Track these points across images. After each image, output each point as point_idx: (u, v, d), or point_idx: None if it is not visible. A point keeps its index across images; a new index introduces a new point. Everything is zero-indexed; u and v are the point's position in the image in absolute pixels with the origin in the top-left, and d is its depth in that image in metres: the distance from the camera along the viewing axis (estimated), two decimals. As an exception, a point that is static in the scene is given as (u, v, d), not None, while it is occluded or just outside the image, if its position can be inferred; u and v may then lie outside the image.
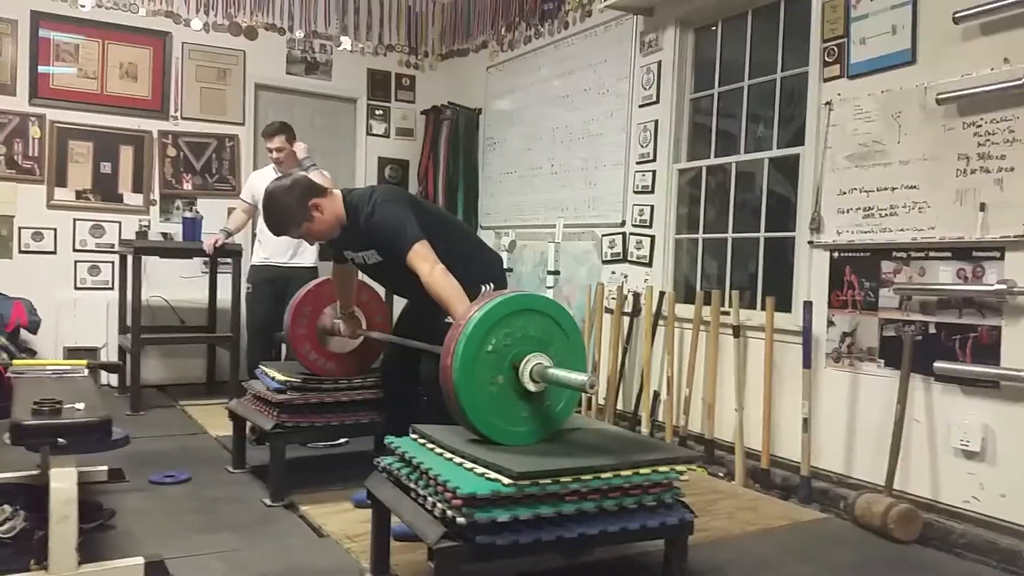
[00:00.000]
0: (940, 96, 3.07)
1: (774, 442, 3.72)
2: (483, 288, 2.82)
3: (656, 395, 4.35)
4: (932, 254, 3.14)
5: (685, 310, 4.25)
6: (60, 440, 2.25)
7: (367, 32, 6.55)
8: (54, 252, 5.47)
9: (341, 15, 6.44)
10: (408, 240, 2.70)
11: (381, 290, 3.63)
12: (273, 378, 3.37)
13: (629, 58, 4.80)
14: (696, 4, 4.37)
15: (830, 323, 3.53)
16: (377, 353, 3.55)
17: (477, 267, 2.97)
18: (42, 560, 2.22)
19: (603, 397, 4.65)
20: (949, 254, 3.08)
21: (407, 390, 3.12)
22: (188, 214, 5.35)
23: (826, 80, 3.61)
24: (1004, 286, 2.85)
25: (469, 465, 2.14)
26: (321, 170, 4.54)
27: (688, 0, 4.38)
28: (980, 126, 2.99)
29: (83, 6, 5.51)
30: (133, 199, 5.73)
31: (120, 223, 5.64)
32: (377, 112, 6.62)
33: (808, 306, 3.55)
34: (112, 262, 5.58)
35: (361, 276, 3.33)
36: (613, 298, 4.69)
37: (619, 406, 4.61)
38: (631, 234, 4.74)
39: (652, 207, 4.58)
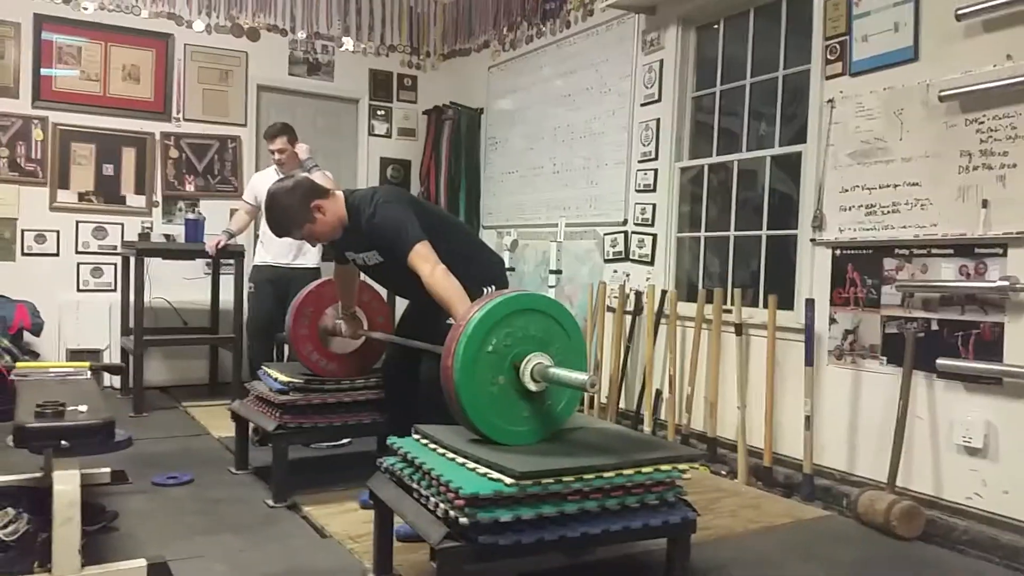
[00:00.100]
0: (942, 93, 3.07)
1: (776, 440, 3.72)
2: (484, 290, 2.82)
3: (658, 393, 4.35)
4: (934, 251, 3.14)
5: (687, 308, 4.25)
6: (63, 442, 2.26)
7: (369, 32, 6.55)
8: (57, 254, 5.49)
9: (343, 16, 6.44)
10: (409, 241, 2.70)
11: (383, 291, 3.63)
12: (275, 379, 3.38)
13: (631, 57, 4.80)
14: (698, 2, 4.37)
15: (832, 321, 3.53)
16: (379, 353, 3.55)
17: (478, 268, 2.98)
18: (46, 563, 2.22)
19: (605, 396, 4.65)
20: (951, 251, 3.07)
21: (409, 390, 3.12)
22: (190, 215, 5.35)
23: (828, 78, 3.60)
24: (1007, 283, 2.84)
25: (471, 465, 2.14)
26: (323, 171, 4.55)
27: (689, -2, 4.39)
28: (982, 123, 2.98)
29: (85, 8, 5.52)
30: (136, 201, 5.74)
31: (123, 225, 5.65)
32: (379, 112, 6.63)
33: (810, 304, 3.54)
34: (115, 264, 5.59)
35: (363, 277, 3.34)
36: (615, 297, 4.69)
37: (621, 405, 4.61)
38: (633, 233, 4.74)
39: (654, 205, 4.58)
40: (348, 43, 6.44)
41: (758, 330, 3.85)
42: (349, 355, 3.51)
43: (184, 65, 5.85)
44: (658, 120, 4.57)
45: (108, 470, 3.23)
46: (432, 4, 6.82)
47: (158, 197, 5.80)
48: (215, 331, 5.58)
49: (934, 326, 3.13)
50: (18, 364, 3.47)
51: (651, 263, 4.58)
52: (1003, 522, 2.86)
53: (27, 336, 5.07)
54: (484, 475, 2.07)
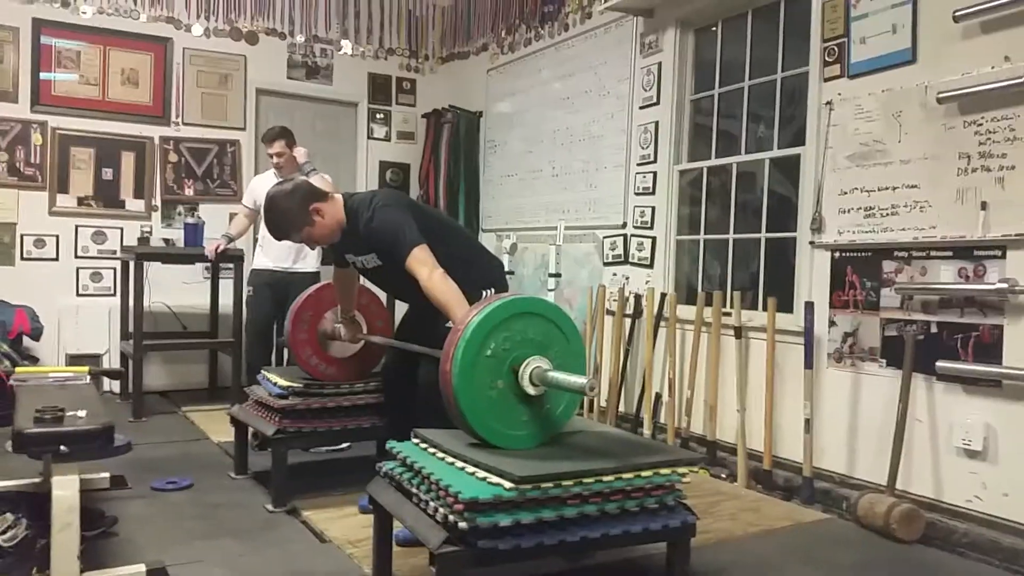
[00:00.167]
0: (941, 95, 3.07)
1: (776, 443, 3.71)
2: (484, 293, 2.82)
3: (658, 397, 4.35)
4: (933, 253, 3.14)
5: (687, 311, 4.25)
6: (62, 448, 2.26)
7: (368, 36, 6.56)
8: (56, 259, 5.48)
9: (341, 19, 6.44)
10: (407, 244, 2.70)
11: (382, 294, 3.63)
12: (275, 383, 3.38)
13: (629, 59, 4.80)
14: (696, 5, 4.37)
15: (832, 323, 3.52)
16: (378, 357, 3.55)
17: (477, 271, 2.98)
18: (44, 568, 2.22)
19: (605, 399, 4.64)
20: (950, 253, 3.07)
21: (408, 394, 3.11)
22: (190, 220, 5.36)
23: (826, 80, 3.60)
24: (1006, 285, 2.84)
25: (471, 469, 2.14)
26: (321, 174, 4.55)
27: (688, 1, 4.38)
28: (981, 125, 2.98)
29: (84, 13, 5.53)
30: (135, 205, 5.74)
31: (122, 229, 5.65)
32: (378, 116, 6.63)
33: (810, 306, 3.54)
34: (114, 268, 5.58)
35: (362, 280, 3.34)
36: (615, 300, 4.69)
37: (621, 408, 4.60)
38: (632, 236, 4.74)
39: (653, 208, 4.58)
40: (347, 46, 6.45)
41: (757, 333, 3.85)
42: (348, 359, 3.51)
43: (183, 69, 5.85)
44: (657, 123, 4.58)
45: (107, 475, 3.22)
46: (430, 8, 6.83)
47: (157, 201, 5.80)
48: (214, 335, 5.58)
49: (933, 328, 3.12)
50: (17, 369, 3.47)
51: (650, 266, 4.58)
52: (1003, 525, 2.86)
53: (26, 341, 5.07)
54: (483, 479, 2.07)
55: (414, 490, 2.23)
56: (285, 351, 4.87)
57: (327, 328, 3.45)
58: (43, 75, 5.43)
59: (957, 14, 3.01)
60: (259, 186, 4.79)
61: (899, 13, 3.29)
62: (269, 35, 6.15)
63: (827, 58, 3.60)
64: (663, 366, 4.32)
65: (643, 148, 4.67)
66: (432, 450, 2.34)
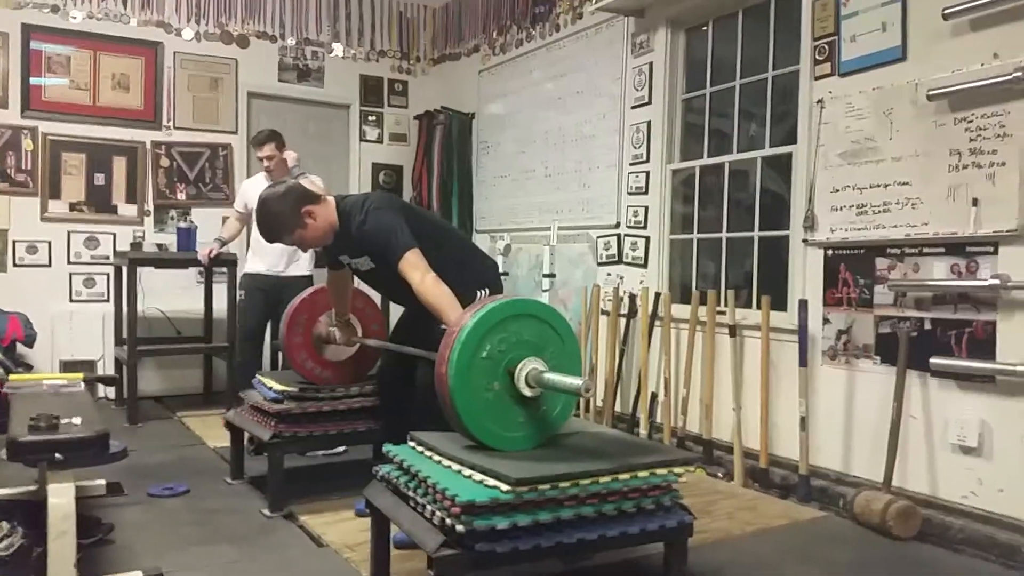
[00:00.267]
0: (931, 92, 3.08)
1: (772, 441, 3.72)
2: (478, 294, 2.82)
3: (654, 396, 4.35)
4: (926, 250, 3.15)
5: (681, 310, 4.25)
6: (57, 455, 2.25)
7: (359, 38, 6.55)
8: (48, 265, 5.47)
9: (332, 22, 6.44)
10: (399, 248, 2.70)
11: (377, 297, 3.63)
12: (270, 388, 3.37)
13: (621, 59, 4.80)
14: (687, 4, 4.38)
15: (826, 321, 3.53)
16: (374, 361, 3.54)
17: (471, 273, 2.98)
18: (41, 576, 2.21)
19: (601, 399, 4.64)
20: (943, 250, 3.09)
21: (404, 397, 3.11)
22: (183, 224, 5.35)
23: (817, 78, 3.61)
24: (998, 280, 2.85)
25: (467, 472, 2.14)
26: (311, 177, 4.51)
27: (679, 1, 4.39)
28: (971, 121, 2.99)
29: (74, 18, 5.51)
30: (127, 210, 5.72)
31: (114, 235, 5.64)
32: (370, 118, 6.63)
33: (803, 304, 3.55)
34: (107, 274, 5.57)
35: (357, 283, 3.33)
36: (609, 300, 4.69)
37: (617, 408, 4.61)
38: (626, 235, 4.74)
39: (646, 208, 4.59)
40: (338, 49, 6.44)
41: (752, 331, 3.86)
42: (344, 362, 3.51)
43: (174, 73, 5.84)
44: (649, 122, 4.58)
45: (103, 482, 3.22)
46: (422, 9, 6.83)
47: (150, 206, 5.78)
48: (209, 340, 5.56)
49: (927, 325, 3.14)
50: (11, 376, 3.45)
51: (644, 265, 4.58)
52: (999, 520, 2.87)
53: (20, 348, 5.05)
54: (480, 482, 2.07)
55: (411, 493, 2.23)
56: (280, 355, 4.87)
57: (322, 332, 3.44)
58: (33, 80, 5.42)
59: (946, 12, 3.02)
60: (250, 189, 4.78)
61: (889, 11, 3.30)
62: (260, 38, 6.14)
63: (818, 56, 3.61)
64: (658, 365, 4.33)
65: (635, 148, 4.68)
66: (428, 453, 2.34)
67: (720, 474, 3.85)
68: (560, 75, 5.34)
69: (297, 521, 3.09)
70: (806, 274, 3.63)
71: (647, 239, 4.57)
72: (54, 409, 2.42)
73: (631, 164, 4.71)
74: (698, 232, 4.42)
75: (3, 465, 2.40)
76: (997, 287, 2.86)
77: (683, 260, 4.53)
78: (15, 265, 5.37)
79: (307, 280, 4.62)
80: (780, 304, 3.77)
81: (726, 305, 3.96)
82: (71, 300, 5.53)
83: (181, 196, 5.86)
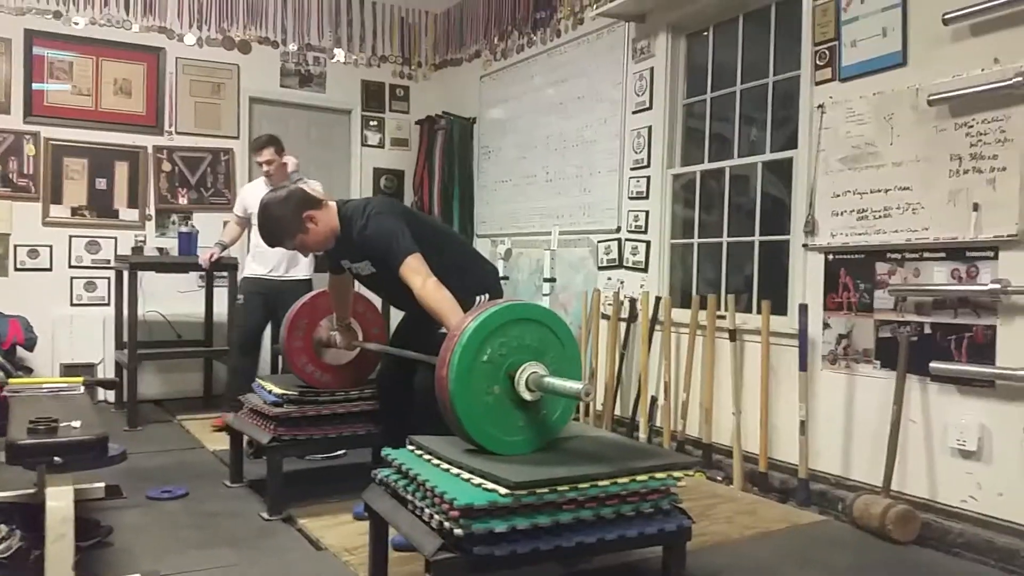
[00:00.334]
0: (932, 97, 3.08)
1: (772, 445, 3.72)
2: (478, 299, 2.82)
3: (653, 400, 4.35)
4: (926, 255, 3.15)
5: (681, 315, 4.25)
6: (56, 458, 2.26)
7: (360, 44, 6.57)
8: (50, 269, 5.47)
9: (334, 27, 6.46)
10: (401, 253, 2.71)
11: (378, 301, 3.63)
12: (270, 391, 3.37)
13: (622, 65, 4.81)
14: (687, 10, 4.39)
15: (826, 325, 3.53)
16: (374, 364, 3.55)
17: (472, 278, 2.98)
18: (39, 579, 2.21)
19: (601, 403, 4.64)
20: (943, 255, 3.08)
21: (404, 401, 3.12)
22: (184, 228, 5.35)
23: (818, 83, 3.62)
24: (998, 285, 2.85)
25: (466, 476, 2.14)
26: (309, 182, 4.48)
27: (679, 6, 4.40)
28: (972, 126, 2.99)
29: (76, 24, 5.53)
30: (128, 215, 5.73)
31: (116, 239, 5.64)
32: (372, 123, 6.64)
33: (804, 309, 3.55)
34: (108, 278, 5.57)
35: (358, 287, 3.34)
36: (610, 304, 4.69)
37: (617, 412, 4.60)
38: (627, 240, 4.74)
39: (647, 213, 4.59)
40: (340, 54, 6.46)
41: (752, 336, 3.86)
42: (344, 366, 3.50)
43: (176, 78, 5.85)
44: (650, 127, 4.59)
45: (102, 485, 3.21)
46: (423, 15, 6.84)
47: (151, 211, 5.79)
48: (209, 344, 5.56)
49: (927, 330, 3.13)
50: (11, 380, 3.45)
51: (645, 270, 4.58)
52: (998, 525, 2.86)
53: (21, 351, 5.05)
54: (479, 486, 2.07)
55: (409, 497, 2.23)
56: (280, 358, 4.86)
57: (323, 335, 3.45)
58: (36, 86, 5.43)
59: (947, 17, 3.03)
60: (249, 194, 4.78)
61: (889, 16, 3.30)
62: (262, 44, 6.16)
63: (818, 61, 3.61)
64: (658, 370, 4.32)
65: (636, 152, 4.68)
66: (427, 457, 2.34)
67: (720, 478, 3.85)
68: (561, 80, 5.35)
69: (296, 524, 3.08)
70: (806, 279, 3.63)
71: (648, 244, 4.57)
72: (53, 412, 2.43)
73: (632, 169, 4.72)
74: (699, 237, 4.42)
75: (2, 468, 2.40)
76: (997, 292, 2.85)
77: (684, 264, 4.53)
78: (17, 269, 5.38)
79: (306, 284, 4.62)
80: (780, 308, 3.77)
81: (726, 309, 3.96)
82: (72, 304, 5.53)
83: (182, 201, 5.87)
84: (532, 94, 5.66)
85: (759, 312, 3.78)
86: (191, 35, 5.89)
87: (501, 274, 3.53)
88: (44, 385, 3.18)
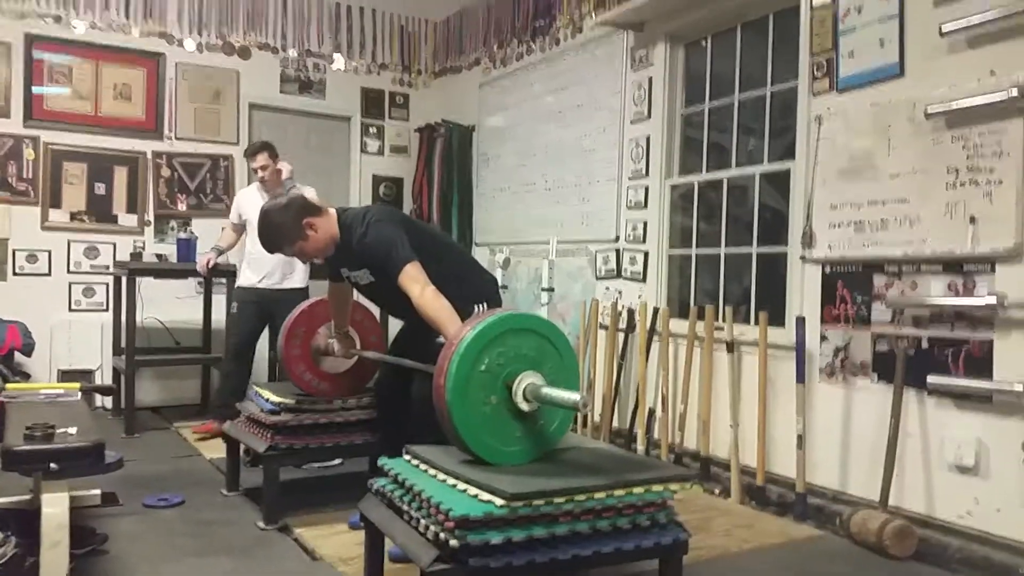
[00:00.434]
0: (929, 109, 3.08)
1: (769, 458, 3.71)
2: (476, 308, 2.82)
3: (651, 412, 4.34)
4: (924, 268, 3.15)
5: (679, 325, 4.25)
6: (52, 465, 2.25)
7: (360, 51, 6.58)
8: (48, 274, 5.47)
9: (334, 34, 6.47)
10: (400, 261, 2.71)
11: (376, 310, 3.63)
12: (267, 399, 3.36)
13: (620, 74, 4.82)
14: (686, 19, 4.40)
15: (823, 338, 3.53)
16: (372, 373, 3.54)
17: (470, 287, 2.98)
18: (33, 587, 2.21)
19: (599, 414, 4.64)
20: (940, 268, 3.09)
21: (402, 410, 3.11)
22: (183, 234, 5.36)
23: (816, 94, 3.62)
24: (995, 299, 2.85)
25: (462, 486, 2.13)
26: (304, 189, 4.45)
27: (678, 15, 4.41)
28: (969, 139, 2.99)
29: (76, 28, 5.54)
30: (127, 220, 5.73)
31: (115, 244, 5.65)
32: (371, 130, 6.65)
33: (801, 321, 3.55)
34: (107, 283, 5.57)
35: (356, 296, 3.34)
36: (608, 314, 4.69)
37: (615, 423, 4.60)
38: (625, 250, 4.75)
39: (645, 223, 4.59)
40: (339, 61, 6.47)
41: (750, 347, 3.86)
42: (341, 375, 3.50)
43: (175, 84, 5.86)
44: (648, 137, 4.59)
45: (98, 492, 3.20)
46: (423, 22, 6.86)
47: (150, 216, 5.80)
48: (207, 351, 5.56)
49: (924, 343, 3.13)
50: (8, 385, 3.45)
51: (643, 280, 4.58)
52: (996, 541, 2.86)
53: (18, 356, 5.05)
54: (475, 496, 2.06)
55: (405, 507, 2.23)
56: (277, 366, 4.85)
57: (320, 343, 3.45)
58: (35, 90, 5.44)
59: (943, 29, 3.03)
60: (244, 200, 4.78)
61: (886, 27, 3.31)
62: (262, 50, 6.17)
63: (816, 72, 3.62)
64: (656, 381, 4.32)
65: (635, 162, 4.69)
66: (423, 467, 2.33)
67: (717, 491, 3.84)
68: (560, 89, 5.36)
69: (292, 534, 3.08)
70: (804, 291, 3.63)
71: (646, 254, 4.58)
72: (50, 419, 2.43)
73: (630, 179, 4.72)
74: (697, 247, 4.43)
75: (-2, 474, 2.39)
76: (994, 306, 2.85)
77: (681, 275, 4.53)
78: (15, 274, 5.37)
79: (302, 292, 4.59)
80: (778, 320, 3.77)
81: (724, 321, 3.96)
82: (70, 309, 5.53)
83: (181, 206, 5.88)
84: (531, 102, 5.67)
85: (757, 324, 3.78)
86: (191, 40, 5.90)
87: (500, 283, 3.53)
88: (41, 391, 3.18)
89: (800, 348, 3.53)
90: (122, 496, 3.27)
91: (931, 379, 3.04)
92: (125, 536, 2.99)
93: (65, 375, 5.22)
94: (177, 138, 5.87)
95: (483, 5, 6.24)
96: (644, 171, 4.62)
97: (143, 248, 5.59)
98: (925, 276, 3.14)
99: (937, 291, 3.09)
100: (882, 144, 3.30)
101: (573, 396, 2.16)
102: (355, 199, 6.47)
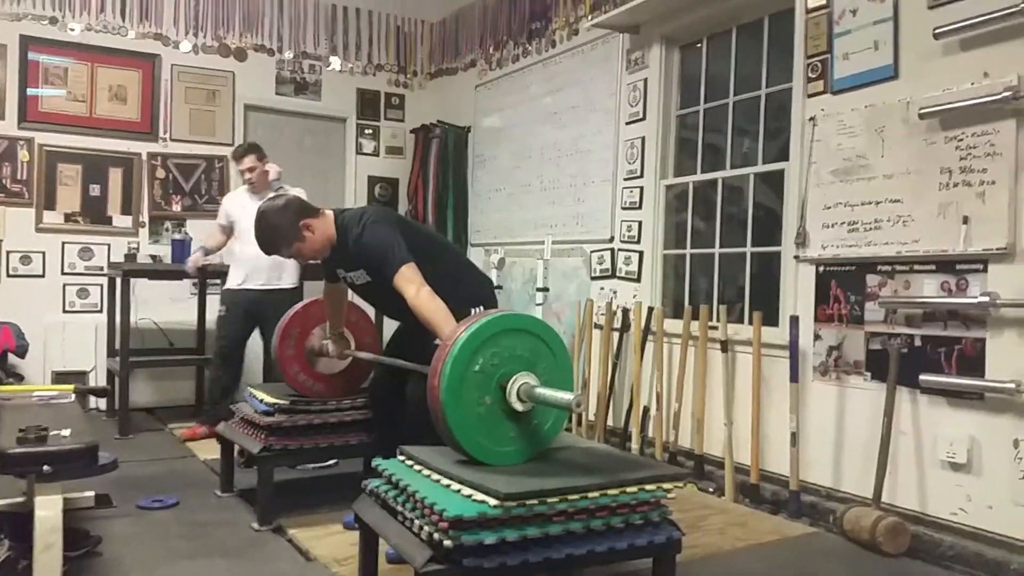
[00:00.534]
0: (922, 110, 3.10)
1: (763, 456, 3.72)
2: (472, 311, 2.82)
3: (646, 411, 4.35)
4: (916, 267, 3.16)
5: (674, 325, 4.26)
6: (46, 467, 2.25)
7: (356, 52, 6.58)
8: (42, 275, 5.46)
9: (330, 35, 6.47)
10: (395, 262, 2.72)
11: (371, 311, 3.63)
12: (261, 400, 3.36)
13: (616, 75, 4.83)
14: (681, 21, 4.41)
15: (817, 337, 3.54)
16: (366, 374, 3.54)
17: (466, 289, 2.99)
18: (27, 589, 2.20)
19: (593, 413, 4.64)
20: (933, 267, 3.10)
21: (396, 411, 3.11)
22: (177, 236, 5.36)
23: (810, 96, 3.63)
24: (987, 298, 2.86)
25: (456, 487, 2.14)
26: (292, 190, 4.43)
27: (673, 18, 4.42)
28: (962, 140, 3.01)
29: (72, 30, 5.53)
30: (122, 221, 5.72)
31: (109, 245, 5.64)
32: (367, 131, 6.65)
33: (795, 320, 3.56)
34: (101, 285, 5.56)
35: (352, 296, 3.34)
36: (602, 314, 4.70)
37: (609, 422, 4.60)
38: (619, 250, 4.76)
39: (640, 223, 4.60)
40: (335, 62, 6.47)
41: (743, 347, 3.87)
42: (336, 375, 3.50)
43: (171, 85, 5.86)
44: (643, 138, 4.60)
45: (92, 494, 3.19)
46: (419, 24, 6.86)
47: (145, 217, 5.79)
48: (201, 352, 5.56)
49: (917, 342, 3.15)
50: (1, 387, 3.45)
51: (637, 280, 4.59)
52: (988, 537, 2.87)
53: (12, 358, 5.04)
54: (469, 497, 2.06)
55: (399, 508, 2.23)
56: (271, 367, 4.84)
57: (315, 344, 3.44)
58: (30, 91, 5.43)
59: (937, 31, 3.05)
60: (232, 203, 4.77)
61: (881, 30, 3.32)
62: (257, 51, 6.17)
63: (810, 74, 3.63)
64: (651, 380, 4.33)
65: (630, 163, 4.70)
66: (418, 467, 2.33)
67: (711, 489, 3.85)
68: (556, 90, 5.37)
69: (286, 535, 3.07)
70: (797, 290, 3.64)
71: (640, 254, 4.59)
72: (43, 421, 2.42)
73: (625, 179, 4.73)
74: (691, 247, 4.43)
75: (-9, 476, 2.39)
76: (987, 304, 2.87)
77: (676, 275, 4.54)
78: (9, 275, 5.36)
79: (292, 293, 4.57)
80: (772, 320, 3.78)
81: (718, 320, 3.97)
82: (64, 311, 5.52)
83: (176, 208, 5.87)
84: (527, 104, 5.67)
85: (751, 323, 3.78)
86: (187, 42, 5.90)
87: (495, 283, 3.53)
88: (34, 393, 3.17)
89: (794, 347, 3.54)
90: (116, 498, 3.27)
91: (924, 377, 3.05)
92: (119, 538, 2.98)
93: (59, 376, 5.21)
94: (172, 139, 5.87)
95: (479, 7, 6.25)
96: (639, 172, 4.63)
97: (137, 249, 5.59)
98: (918, 275, 3.15)
99: (930, 290, 3.10)
100: (876, 145, 3.31)
101: (567, 396, 2.17)
102: (351, 200, 6.47)
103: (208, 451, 4.24)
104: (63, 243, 5.54)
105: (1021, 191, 2.84)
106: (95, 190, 5.63)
